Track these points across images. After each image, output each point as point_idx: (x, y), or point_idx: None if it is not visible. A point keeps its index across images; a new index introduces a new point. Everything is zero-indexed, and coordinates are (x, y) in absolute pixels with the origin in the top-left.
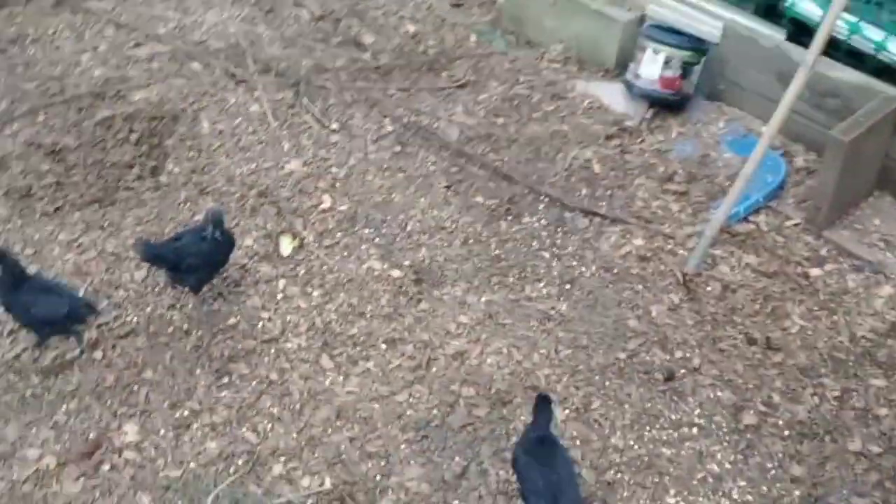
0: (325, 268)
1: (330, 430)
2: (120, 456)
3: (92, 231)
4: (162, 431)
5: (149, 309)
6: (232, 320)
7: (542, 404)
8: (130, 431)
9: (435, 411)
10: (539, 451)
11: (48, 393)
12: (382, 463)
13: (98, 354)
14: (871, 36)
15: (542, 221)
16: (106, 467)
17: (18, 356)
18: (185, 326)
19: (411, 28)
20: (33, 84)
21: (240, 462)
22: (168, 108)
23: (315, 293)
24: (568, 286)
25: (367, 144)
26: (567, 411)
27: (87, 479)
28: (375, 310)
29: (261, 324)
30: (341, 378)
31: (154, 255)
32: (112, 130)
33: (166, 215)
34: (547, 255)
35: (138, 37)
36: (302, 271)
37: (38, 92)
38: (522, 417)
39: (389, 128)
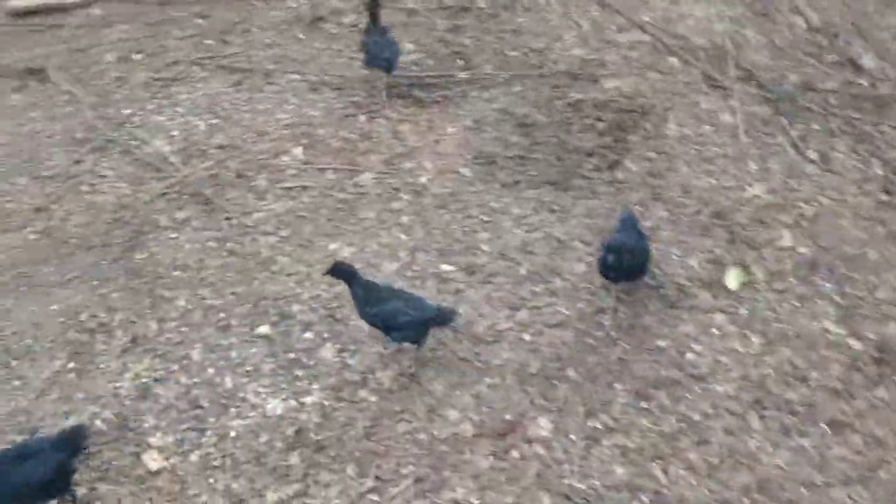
0: (770, 314)
1: (746, 501)
2: (530, 447)
3: (542, 212)
4: (573, 436)
5: (580, 305)
6: (660, 343)
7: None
8: (544, 426)
9: None
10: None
11: (475, 360)
12: None
13: (526, 336)
14: None
15: None
16: (515, 454)
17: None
18: (614, 335)
19: None
20: (517, 53)
21: (644, 499)
22: (638, 101)
23: (755, 339)
24: None
25: (846, 184)
26: None
27: (497, 459)
28: (822, 379)
29: (689, 355)
30: (769, 446)
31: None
32: (580, 115)
33: (616, 213)
34: None
35: (621, 21)
36: (744, 311)
37: (520, 62)
38: None
39: (878, 171)
